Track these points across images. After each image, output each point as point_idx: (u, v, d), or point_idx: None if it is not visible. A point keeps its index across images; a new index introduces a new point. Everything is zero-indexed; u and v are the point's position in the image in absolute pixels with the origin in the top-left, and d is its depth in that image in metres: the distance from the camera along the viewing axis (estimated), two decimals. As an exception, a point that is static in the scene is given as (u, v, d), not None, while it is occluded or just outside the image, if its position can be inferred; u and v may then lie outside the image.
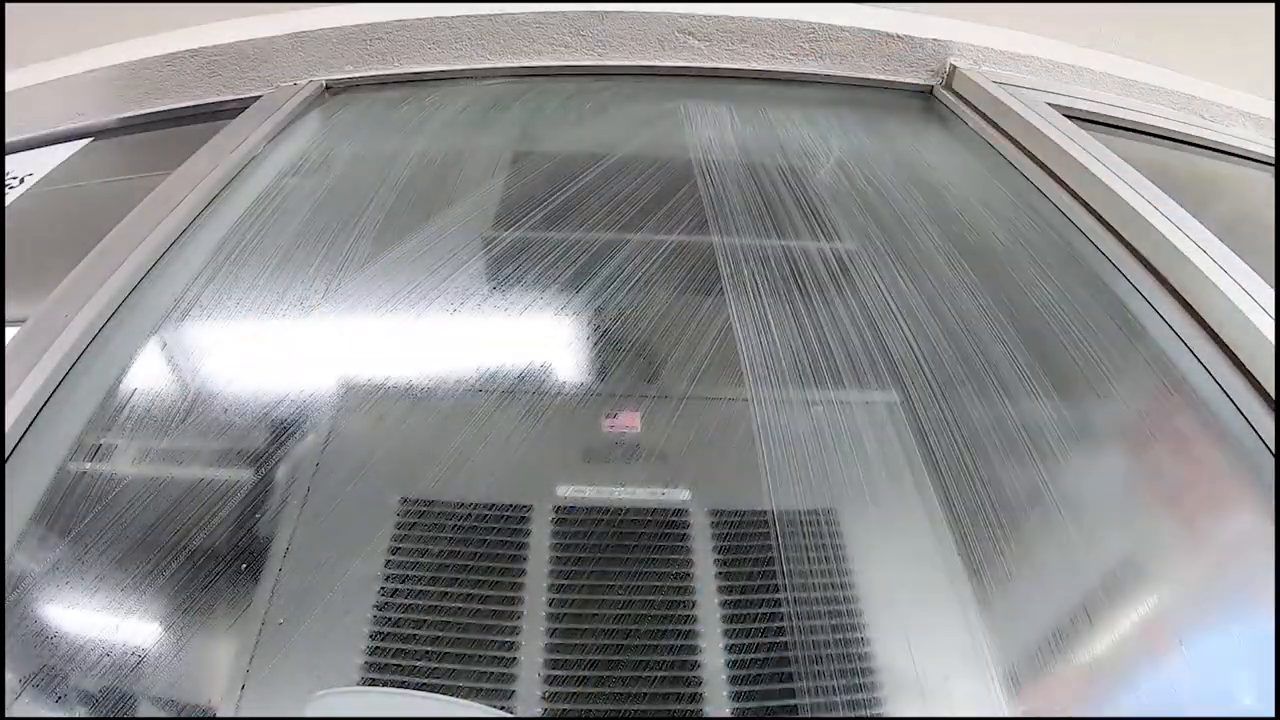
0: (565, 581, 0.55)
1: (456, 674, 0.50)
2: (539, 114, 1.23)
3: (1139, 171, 0.94)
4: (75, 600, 0.53)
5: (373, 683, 0.50)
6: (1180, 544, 0.61)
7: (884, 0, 1.33)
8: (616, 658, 0.52)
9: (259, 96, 1.21)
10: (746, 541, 0.58)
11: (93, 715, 0.48)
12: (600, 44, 1.28)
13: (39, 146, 1.18)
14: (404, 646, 0.52)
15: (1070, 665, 0.52)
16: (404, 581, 0.55)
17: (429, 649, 0.52)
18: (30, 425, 0.61)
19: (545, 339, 0.75)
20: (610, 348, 0.74)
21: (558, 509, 0.60)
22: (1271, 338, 0.66)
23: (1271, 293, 0.72)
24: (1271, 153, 1.26)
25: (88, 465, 0.61)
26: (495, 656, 0.51)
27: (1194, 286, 0.76)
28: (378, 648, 0.52)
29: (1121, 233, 0.89)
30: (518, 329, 0.76)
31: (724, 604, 0.55)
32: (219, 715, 0.48)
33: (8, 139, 1.17)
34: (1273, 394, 0.65)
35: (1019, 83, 1.24)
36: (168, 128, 1.23)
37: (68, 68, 1.19)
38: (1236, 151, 1.26)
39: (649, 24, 1.25)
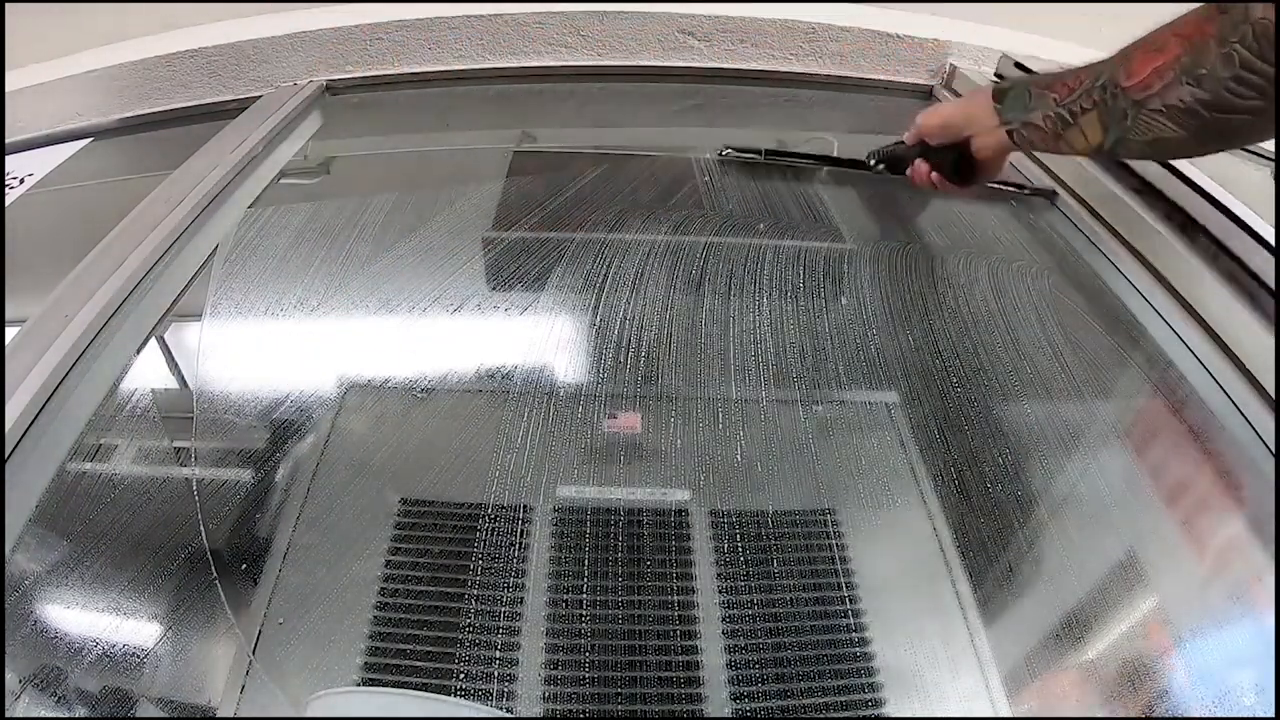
0: (565, 581, 0.55)
1: (456, 674, 0.50)
2: (539, 114, 1.23)
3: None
4: (75, 600, 0.53)
5: (373, 683, 0.50)
6: (1180, 544, 0.60)
7: (884, 0, 1.33)
8: (616, 658, 0.52)
9: (259, 96, 1.21)
10: (746, 541, 0.58)
11: (93, 715, 0.48)
12: (600, 44, 1.27)
13: (39, 146, 1.18)
14: (404, 646, 0.52)
15: (1070, 665, 0.52)
16: (404, 582, 0.55)
17: (429, 649, 0.52)
18: (30, 425, 0.61)
19: (545, 339, 0.75)
20: (610, 348, 0.74)
21: (558, 509, 0.60)
22: (1271, 338, 0.66)
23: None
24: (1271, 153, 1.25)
25: (88, 465, 0.61)
26: (495, 656, 0.51)
27: (1194, 286, 0.76)
28: (378, 648, 0.52)
29: (1122, 233, 0.89)
30: (518, 329, 0.76)
31: (724, 604, 0.55)
32: (219, 715, 0.48)
33: (8, 139, 1.17)
34: (1273, 394, 0.65)
35: (1019, 83, 1.24)
36: (168, 128, 1.23)
37: (68, 68, 1.19)
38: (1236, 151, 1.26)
39: (649, 24, 1.25)
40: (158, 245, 0.80)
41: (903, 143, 0.85)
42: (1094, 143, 0.59)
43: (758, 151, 1.01)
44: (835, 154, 1.04)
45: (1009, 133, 0.67)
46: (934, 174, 0.80)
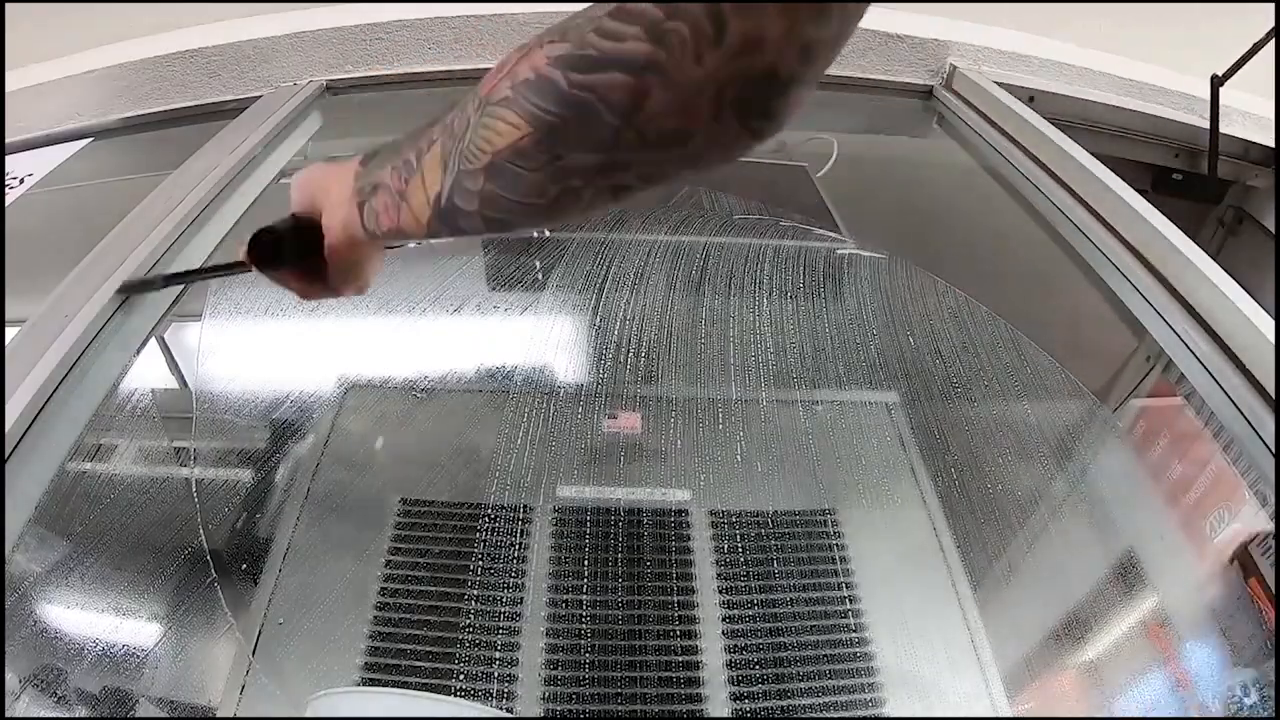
0: (565, 581, 0.55)
1: (457, 674, 0.50)
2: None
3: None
4: (75, 600, 0.53)
5: (373, 683, 0.50)
6: (1180, 543, 0.60)
7: (884, 0, 1.33)
8: (616, 658, 0.52)
9: (259, 96, 1.21)
10: (747, 541, 0.58)
11: (93, 715, 0.48)
12: (600, 44, 1.27)
13: (39, 146, 1.18)
14: (404, 647, 0.52)
15: (1069, 665, 0.52)
16: (404, 582, 0.55)
17: (429, 649, 0.52)
18: (30, 425, 0.61)
19: (545, 339, 0.75)
20: (610, 348, 0.74)
21: (558, 509, 0.60)
22: (1271, 338, 0.66)
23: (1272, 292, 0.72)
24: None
25: (88, 465, 0.61)
26: (495, 657, 0.51)
27: (1194, 286, 0.76)
28: (378, 648, 0.52)
29: (1121, 233, 0.89)
30: (518, 329, 0.76)
31: (724, 604, 0.55)
32: (219, 715, 0.48)
33: (8, 139, 1.17)
34: (1273, 394, 0.65)
35: (1019, 83, 1.24)
36: (168, 128, 1.23)
37: (68, 68, 1.19)
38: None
39: (649, 24, 1.25)
40: (158, 245, 0.80)
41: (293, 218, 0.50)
42: (432, 193, 0.37)
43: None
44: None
45: (361, 210, 0.43)
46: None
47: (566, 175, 0.33)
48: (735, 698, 0.50)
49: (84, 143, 1.19)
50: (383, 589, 0.55)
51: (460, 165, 0.35)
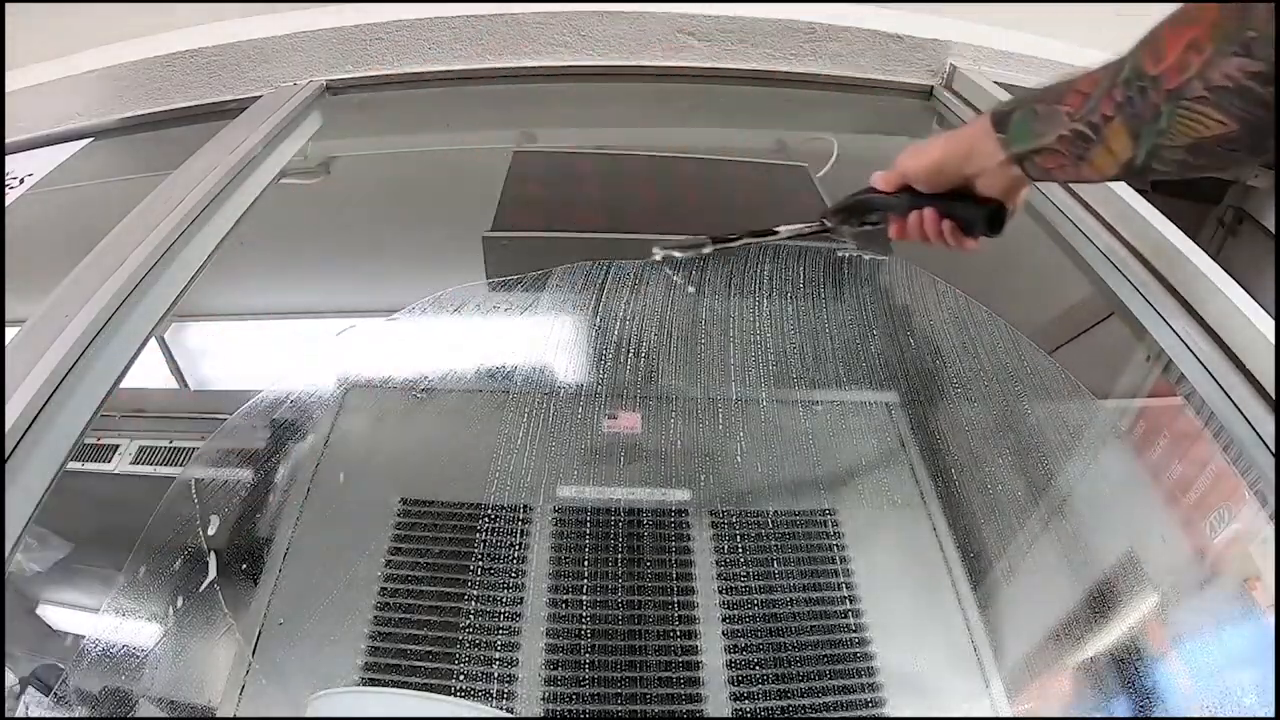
0: (565, 581, 0.55)
1: (456, 674, 0.50)
2: (539, 114, 1.23)
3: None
4: (75, 600, 0.53)
5: (373, 683, 0.50)
6: (1180, 544, 0.60)
7: (884, 0, 1.33)
8: (616, 658, 0.52)
9: (259, 96, 1.21)
10: (747, 541, 0.58)
11: (93, 715, 0.48)
12: (600, 44, 1.27)
13: (39, 146, 1.18)
14: (404, 647, 0.52)
15: (1070, 665, 0.52)
16: (404, 581, 0.55)
17: (429, 649, 0.52)
18: (30, 425, 0.61)
19: (545, 339, 0.75)
20: (610, 348, 0.74)
21: (558, 509, 0.60)
22: (1271, 338, 0.66)
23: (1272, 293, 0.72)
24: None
25: (88, 465, 0.61)
26: (495, 656, 0.51)
27: (1194, 286, 0.76)
28: (378, 648, 0.52)
29: (1122, 233, 0.89)
30: (518, 329, 0.76)
31: (724, 604, 0.55)
32: (219, 715, 0.48)
33: (8, 139, 1.17)
34: (1273, 394, 0.65)
35: (1019, 83, 1.24)
36: (168, 128, 1.23)
37: (68, 68, 1.19)
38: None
39: (649, 24, 1.25)
40: (158, 245, 0.80)
41: (870, 191, 0.68)
42: (1123, 159, 0.46)
43: (700, 245, 0.80)
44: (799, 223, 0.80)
45: (1021, 164, 0.54)
46: (946, 226, 0.63)
47: (1255, 156, 0.43)
48: (735, 698, 0.50)
49: (84, 143, 1.19)
50: (383, 589, 0.55)
51: (1159, 141, 0.44)
